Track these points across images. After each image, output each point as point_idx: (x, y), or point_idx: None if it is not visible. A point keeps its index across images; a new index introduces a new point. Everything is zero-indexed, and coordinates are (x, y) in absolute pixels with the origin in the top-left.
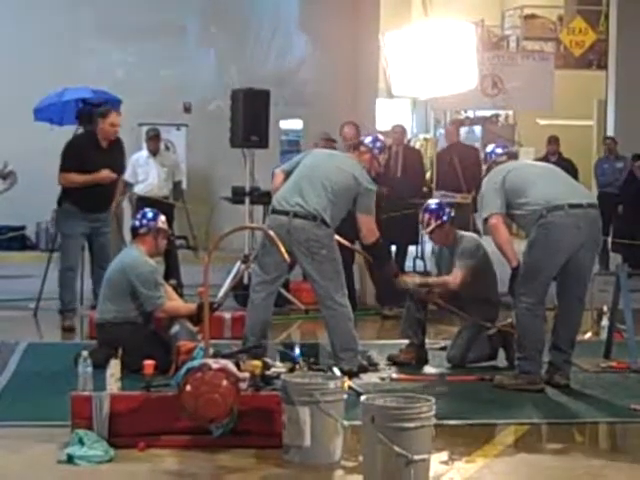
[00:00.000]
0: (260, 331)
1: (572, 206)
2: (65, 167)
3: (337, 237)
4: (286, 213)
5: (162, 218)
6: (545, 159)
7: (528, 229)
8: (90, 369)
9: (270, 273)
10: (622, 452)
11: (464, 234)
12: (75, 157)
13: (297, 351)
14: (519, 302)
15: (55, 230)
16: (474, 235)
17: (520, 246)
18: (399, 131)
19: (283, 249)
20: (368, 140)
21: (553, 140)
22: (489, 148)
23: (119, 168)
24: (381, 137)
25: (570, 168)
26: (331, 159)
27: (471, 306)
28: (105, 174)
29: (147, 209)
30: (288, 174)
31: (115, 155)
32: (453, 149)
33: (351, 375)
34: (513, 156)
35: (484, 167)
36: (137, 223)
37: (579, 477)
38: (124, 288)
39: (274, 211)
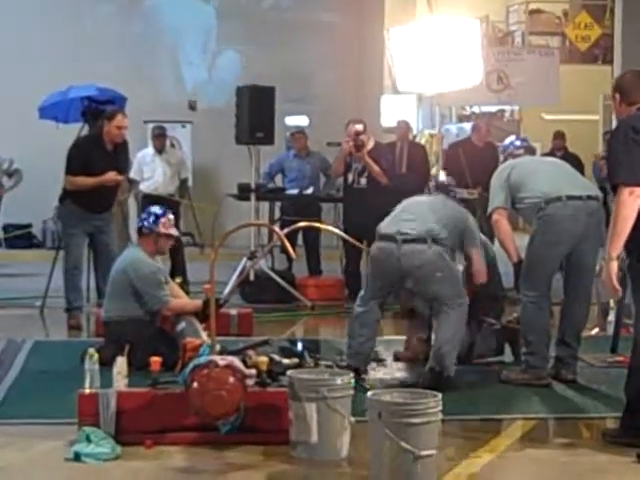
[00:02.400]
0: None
1: (570, 198)
2: (71, 170)
3: (347, 236)
4: None
5: (166, 219)
6: (551, 154)
7: (531, 222)
8: (97, 366)
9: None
10: (628, 447)
11: None
12: (80, 160)
13: (299, 347)
14: (523, 296)
15: (57, 228)
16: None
17: (524, 241)
18: (403, 127)
19: (289, 245)
20: None
21: (559, 135)
22: (508, 140)
23: (124, 170)
24: None
25: (576, 163)
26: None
27: (475, 301)
28: (111, 177)
29: (154, 208)
30: None
31: (120, 157)
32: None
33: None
34: (530, 151)
35: (501, 159)
36: (141, 223)
37: (585, 472)
38: (126, 288)
39: None
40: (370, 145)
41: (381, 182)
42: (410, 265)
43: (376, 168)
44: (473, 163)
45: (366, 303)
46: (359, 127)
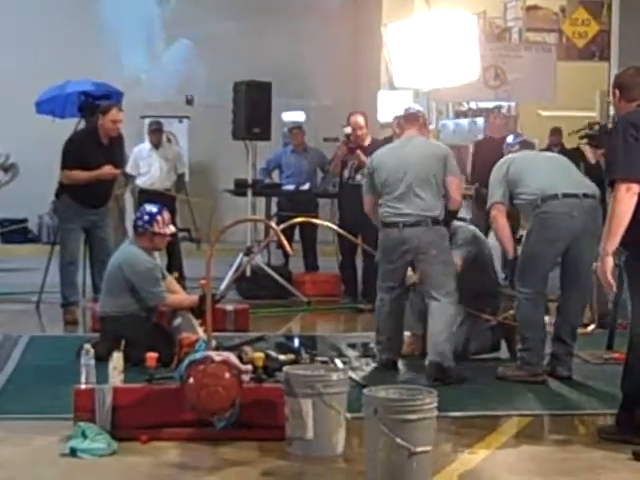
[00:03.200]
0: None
1: (567, 195)
2: (67, 165)
3: (340, 230)
4: None
5: (161, 218)
6: (548, 150)
7: (528, 219)
8: (93, 362)
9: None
10: (623, 444)
11: (460, 224)
12: (76, 154)
13: (296, 343)
14: (519, 292)
15: (53, 222)
16: (470, 226)
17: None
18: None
19: (285, 241)
20: None
21: (556, 131)
22: (509, 139)
23: (119, 164)
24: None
25: (578, 155)
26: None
27: (470, 298)
28: (108, 170)
29: (150, 206)
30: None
31: (115, 151)
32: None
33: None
34: (527, 146)
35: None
36: (136, 222)
37: (581, 469)
38: (122, 284)
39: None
40: (367, 142)
41: None
42: (413, 245)
43: None
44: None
45: (384, 292)
46: (360, 120)
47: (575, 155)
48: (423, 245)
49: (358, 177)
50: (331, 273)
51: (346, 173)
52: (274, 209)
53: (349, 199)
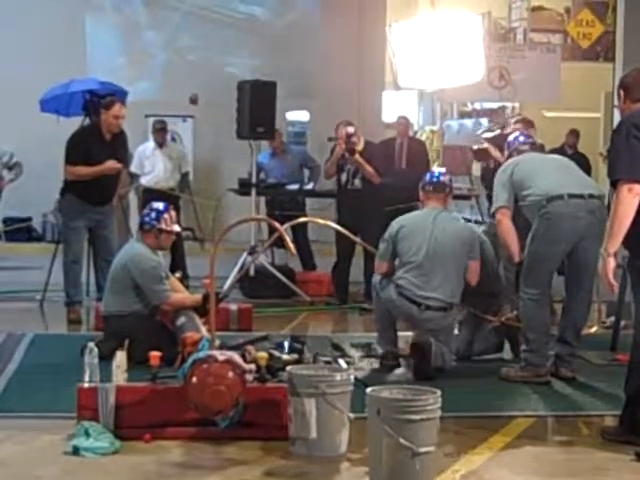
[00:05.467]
0: None
1: (572, 196)
2: (70, 160)
3: (339, 228)
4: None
5: (168, 215)
6: (561, 150)
7: (533, 220)
8: (96, 360)
9: None
10: (627, 445)
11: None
12: (79, 150)
13: (286, 345)
14: (523, 293)
15: (57, 221)
16: (472, 226)
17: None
18: (403, 122)
19: (290, 242)
20: None
21: (574, 132)
22: (512, 136)
23: (122, 160)
24: None
25: (584, 162)
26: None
27: (472, 298)
28: (111, 165)
29: (157, 203)
30: None
31: (118, 146)
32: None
33: None
34: (536, 147)
35: (505, 154)
36: (143, 218)
37: (584, 470)
38: (127, 283)
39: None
40: (360, 146)
41: (374, 182)
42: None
43: (369, 169)
44: None
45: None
46: (350, 129)
47: (586, 159)
48: (439, 328)
49: (356, 182)
50: None
51: (344, 177)
52: (263, 210)
53: (348, 204)
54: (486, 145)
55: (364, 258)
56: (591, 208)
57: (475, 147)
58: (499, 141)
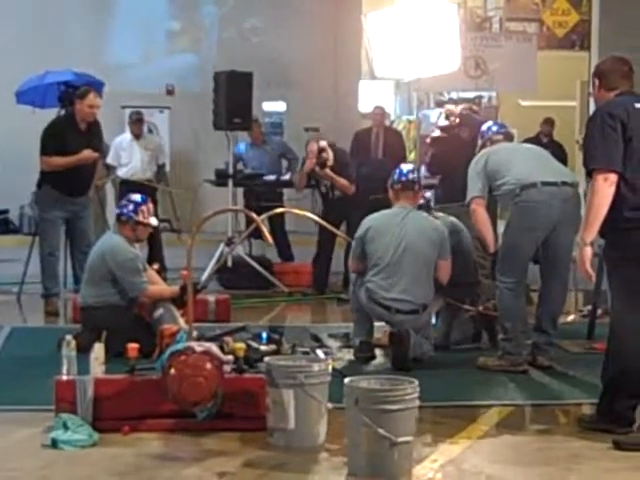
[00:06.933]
0: None
1: (545, 184)
2: (46, 151)
3: (317, 218)
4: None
5: (145, 208)
6: (536, 139)
7: (507, 209)
8: (74, 353)
9: None
10: (604, 433)
11: (439, 215)
12: (55, 140)
13: (264, 336)
14: (499, 282)
15: (34, 213)
16: (449, 217)
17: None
18: (379, 112)
19: (267, 232)
20: None
21: (548, 121)
22: (485, 126)
23: (98, 149)
24: None
25: (559, 151)
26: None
27: (450, 287)
28: (87, 154)
29: (135, 195)
30: None
31: (94, 136)
32: None
33: None
34: (509, 137)
35: (479, 143)
36: (120, 210)
37: (561, 458)
38: (104, 274)
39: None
40: (330, 161)
41: (347, 193)
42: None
43: (341, 181)
44: None
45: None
46: (322, 143)
47: (563, 149)
48: (415, 327)
49: (337, 193)
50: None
51: (323, 189)
52: (241, 200)
53: (334, 211)
54: (439, 133)
55: (345, 249)
56: (565, 196)
57: (433, 135)
58: (467, 120)
